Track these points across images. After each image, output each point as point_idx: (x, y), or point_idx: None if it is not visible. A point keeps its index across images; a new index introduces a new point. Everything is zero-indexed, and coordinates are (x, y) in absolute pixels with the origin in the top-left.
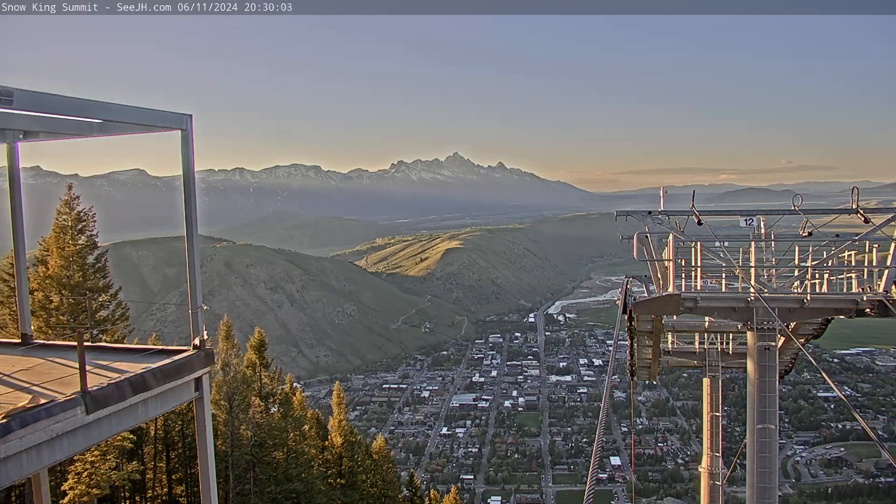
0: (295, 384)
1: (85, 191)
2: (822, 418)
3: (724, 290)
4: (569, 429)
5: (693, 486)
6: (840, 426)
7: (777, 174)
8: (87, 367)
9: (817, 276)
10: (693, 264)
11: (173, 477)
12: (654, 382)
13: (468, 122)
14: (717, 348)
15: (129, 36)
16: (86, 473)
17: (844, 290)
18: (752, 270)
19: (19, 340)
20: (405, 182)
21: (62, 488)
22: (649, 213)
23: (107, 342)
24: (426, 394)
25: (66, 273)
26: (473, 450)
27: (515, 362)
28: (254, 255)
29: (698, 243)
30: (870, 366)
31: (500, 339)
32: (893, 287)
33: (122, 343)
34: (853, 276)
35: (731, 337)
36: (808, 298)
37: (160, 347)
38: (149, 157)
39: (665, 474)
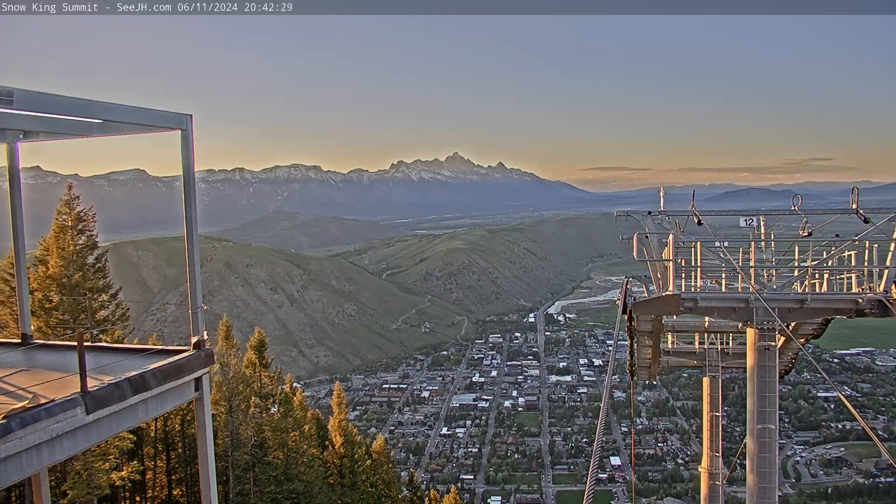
0: (295, 384)
1: (85, 191)
2: (822, 418)
3: (724, 290)
4: (569, 429)
5: (693, 486)
6: (840, 426)
7: (777, 174)
8: (87, 368)
9: (817, 276)
10: (693, 264)
11: (173, 477)
12: (654, 382)
13: (468, 122)
14: (717, 348)
15: (129, 36)
16: (86, 473)
17: (844, 290)
18: (752, 270)
19: (19, 340)
20: (405, 182)
21: (62, 488)
22: (649, 213)
23: (107, 342)
24: (426, 394)
25: (66, 273)
26: (473, 450)
27: (515, 362)
28: (254, 255)
29: (698, 243)
30: (870, 366)
31: (500, 339)
32: (893, 287)
33: (122, 343)
34: (853, 276)
35: (731, 337)
36: (809, 298)
37: (160, 347)
38: (149, 157)
39: (665, 474)
